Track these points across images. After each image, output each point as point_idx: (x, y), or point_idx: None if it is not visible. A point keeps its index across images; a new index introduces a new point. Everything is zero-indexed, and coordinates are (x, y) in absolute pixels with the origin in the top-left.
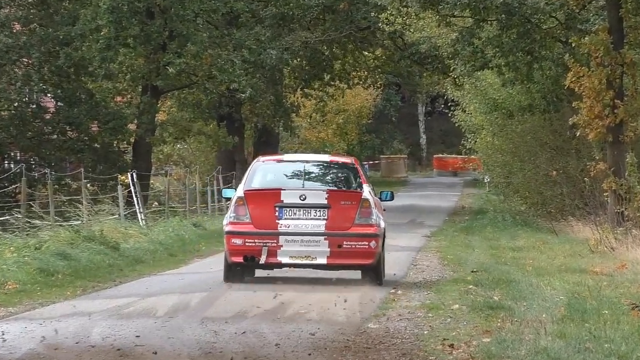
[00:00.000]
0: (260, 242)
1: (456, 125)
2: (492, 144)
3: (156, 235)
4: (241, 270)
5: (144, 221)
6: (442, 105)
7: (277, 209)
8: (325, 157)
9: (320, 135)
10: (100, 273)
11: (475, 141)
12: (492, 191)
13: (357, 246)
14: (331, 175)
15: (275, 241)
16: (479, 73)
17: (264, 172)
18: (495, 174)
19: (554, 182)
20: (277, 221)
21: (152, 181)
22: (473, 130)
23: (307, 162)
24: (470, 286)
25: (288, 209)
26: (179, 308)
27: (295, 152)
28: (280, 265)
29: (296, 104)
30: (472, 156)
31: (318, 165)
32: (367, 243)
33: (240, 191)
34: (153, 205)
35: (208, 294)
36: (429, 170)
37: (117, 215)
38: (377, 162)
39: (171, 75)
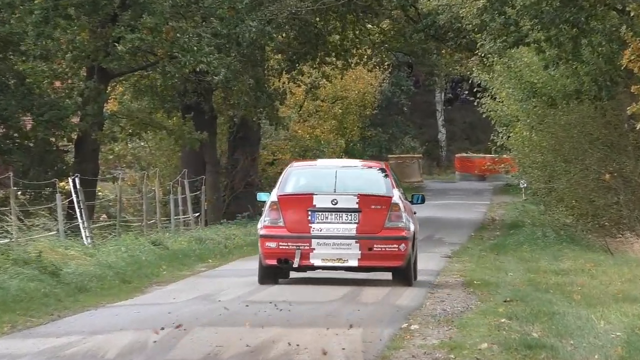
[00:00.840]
0: (293, 245)
1: (484, 116)
2: (529, 139)
3: (105, 257)
4: (275, 272)
5: (89, 239)
6: (466, 92)
7: (309, 213)
8: (357, 162)
9: (314, 131)
10: (34, 305)
11: (508, 136)
12: (530, 199)
13: (387, 249)
14: (362, 180)
15: (308, 244)
16: (512, 51)
17: (297, 177)
18: (534, 177)
19: (608, 187)
20: (309, 225)
21: (99, 188)
22: (505, 123)
23: (338, 167)
24: (503, 320)
25: (320, 213)
26: (134, 349)
27: (281, 149)
28: (313, 268)
29: (282, 90)
30: (504, 155)
31: (349, 170)
32: (397, 246)
33: (274, 196)
34: (101, 219)
35: (170, 331)
36: (449, 174)
37: (56, 232)
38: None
39: (123, 54)
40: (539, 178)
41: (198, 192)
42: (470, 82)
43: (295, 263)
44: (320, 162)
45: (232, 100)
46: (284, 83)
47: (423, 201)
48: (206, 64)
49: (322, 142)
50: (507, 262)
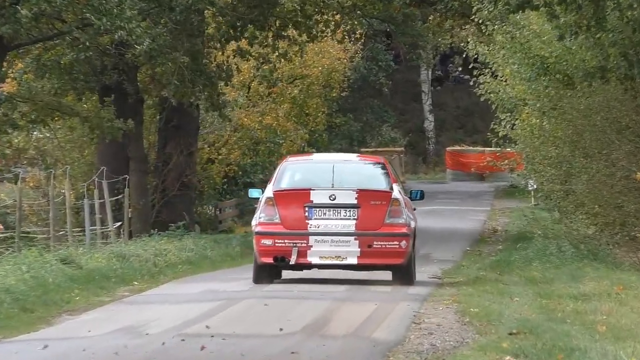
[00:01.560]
0: (290, 243)
1: (482, 99)
2: (540, 129)
3: (0, 279)
4: (270, 271)
5: None
6: (460, 69)
7: (306, 209)
8: (354, 157)
9: (265, 119)
10: None
11: (514, 125)
12: (541, 204)
13: (387, 246)
14: (360, 175)
15: (305, 241)
16: (517, 16)
17: (292, 172)
18: (546, 176)
19: None
20: (306, 221)
21: None
22: (509, 108)
23: (336, 161)
24: (507, 357)
25: (318, 209)
26: None
27: (226, 143)
28: (310, 266)
29: (226, 66)
30: (508, 149)
31: (347, 164)
32: (397, 243)
33: (269, 191)
34: None
35: None
36: (439, 172)
37: None
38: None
39: (23, 20)
40: (552, 177)
41: (120, 196)
42: (464, 56)
43: (292, 260)
44: (317, 156)
45: (162, 79)
46: (228, 57)
47: (422, 197)
48: (127, 31)
49: (278, 132)
50: (513, 284)
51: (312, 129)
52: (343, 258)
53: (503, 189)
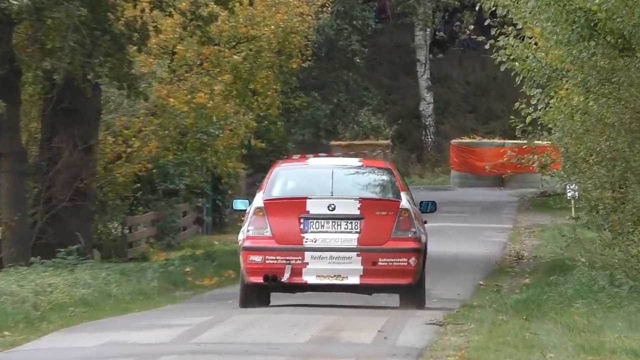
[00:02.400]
0: (282, 260)
1: (502, 69)
2: (584, 111)
3: None
4: (259, 293)
5: None
6: (470, 28)
7: (302, 220)
8: (357, 162)
9: (196, 98)
10: None
11: (547, 105)
12: (585, 219)
13: (394, 263)
14: (364, 182)
15: (300, 258)
16: None
17: (285, 178)
18: (593, 179)
19: None
20: (302, 235)
21: None
22: (541, 82)
23: (335, 166)
24: None
25: (315, 221)
26: None
27: (139, 132)
28: (305, 287)
29: (139, 24)
30: (539, 141)
31: (348, 170)
32: (406, 260)
33: (258, 201)
34: None
35: None
36: (440, 174)
37: None
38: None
39: None
40: (601, 181)
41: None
42: (477, 9)
43: (285, 278)
44: (313, 160)
45: (47, 44)
46: (142, 12)
47: (435, 209)
48: None
49: (214, 118)
50: (545, 334)
51: (262, 113)
52: (343, 277)
53: (531, 198)
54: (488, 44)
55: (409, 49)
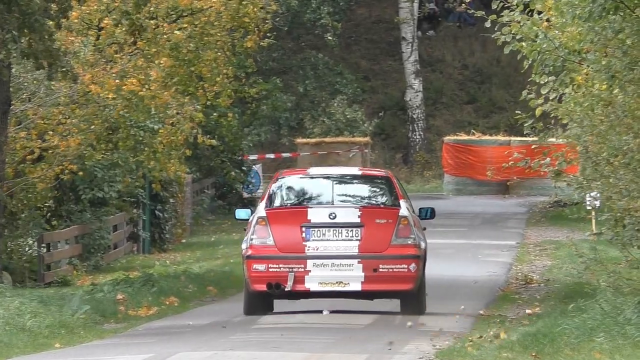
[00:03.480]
0: (285, 268)
1: (506, 51)
2: (608, 102)
3: None
4: (263, 301)
5: None
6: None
7: (303, 229)
8: (356, 171)
9: (126, 85)
10: None
11: (562, 95)
12: (609, 234)
13: (395, 270)
14: (364, 191)
15: (302, 266)
16: None
17: (287, 188)
18: (618, 186)
19: None
20: (304, 243)
21: None
22: (555, 67)
23: (336, 176)
24: None
25: (316, 229)
26: None
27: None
28: (308, 294)
29: None
30: (552, 139)
31: (348, 179)
32: (406, 266)
33: (261, 210)
34: None
35: None
36: (430, 178)
37: None
38: (283, 155)
39: None
40: (628, 187)
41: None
42: None
43: (288, 286)
44: (314, 170)
45: None
46: None
47: (433, 215)
48: None
49: (152, 109)
50: None
51: (210, 102)
52: (345, 284)
53: (542, 209)
54: (489, 20)
55: (392, 25)
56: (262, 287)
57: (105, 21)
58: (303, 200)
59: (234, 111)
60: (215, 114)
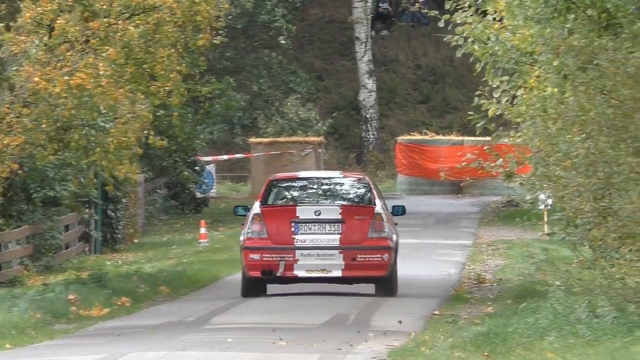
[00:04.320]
0: (277, 257)
1: (459, 53)
2: (559, 103)
3: None
4: (257, 285)
5: None
6: (419, 3)
7: (293, 224)
8: (338, 174)
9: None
10: None
11: (514, 97)
12: (561, 235)
13: (370, 259)
14: (344, 191)
15: (291, 255)
16: None
17: (278, 189)
18: (570, 187)
19: None
20: (293, 236)
21: None
22: (507, 68)
23: (320, 178)
24: None
25: (303, 224)
26: None
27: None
28: (297, 279)
29: None
30: (505, 139)
31: (331, 181)
32: (380, 256)
33: (256, 208)
34: None
35: None
36: (384, 178)
37: None
38: (237, 155)
39: None
40: (579, 188)
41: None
42: None
43: (279, 272)
44: (302, 173)
45: None
46: None
47: (404, 212)
48: None
49: (102, 108)
50: None
51: (163, 100)
52: (328, 271)
53: (495, 208)
54: (443, 20)
55: (345, 25)
56: (257, 274)
57: (58, 21)
58: (292, 199)
59: (186, 110)
60: (162, 111)
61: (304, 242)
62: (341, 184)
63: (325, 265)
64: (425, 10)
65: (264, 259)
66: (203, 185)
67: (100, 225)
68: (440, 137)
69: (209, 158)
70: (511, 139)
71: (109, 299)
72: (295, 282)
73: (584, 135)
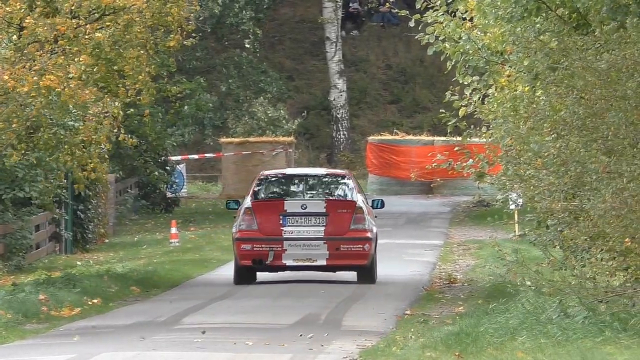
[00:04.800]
0: (267, 247)
1: (430, 52)
2: (530, 103)
3: None
4: (248, 273)
5: None
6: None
7: (281, 217)
8: (323, 171)
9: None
10: None
11: (484, 97)
12: (532, 235)
13: (352, 249)
14: (328, 186)
15: (280, 246)
16: None
17: (268, 184)
18: (540, 187)
19: None
20: (281, 228)
21: None
22: (478, 68)
23: (306, 175)
24: None
25: (291, 217)
26: None
27: None
28: (285, 268)
29: None
30: (475, 139)
31: (316, 177)
32: (361, 246)
33: (247, 202)
34: None
35: None
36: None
37: None
38: (207, 155)
39: None
40: (550, 188)
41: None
42: None
43: (269, 261)
44: (289, 170)
45: None
46: None
47: (383, 206)
48: None
49: (72, 107)
50: None
51: (132, 100)
52: (314, 260)
53: (465, 208)
54: (413, 20)
55: (316, 25)
56: (248, 262)
57: (27, 20)
58: (280, 194)
59: (157, 110)
60: (132, 110)
61: (291, 233)
62: (325, 180)
63: (311, 255)
64: (396, 10)
65: (255, 249)
66: (174, 185)
67: (70, 225)
68: (410, 137)
69: (180, 158)
70: (482, 137)
71: (80, 299)
72: (283, 270)
73: (555, 134)
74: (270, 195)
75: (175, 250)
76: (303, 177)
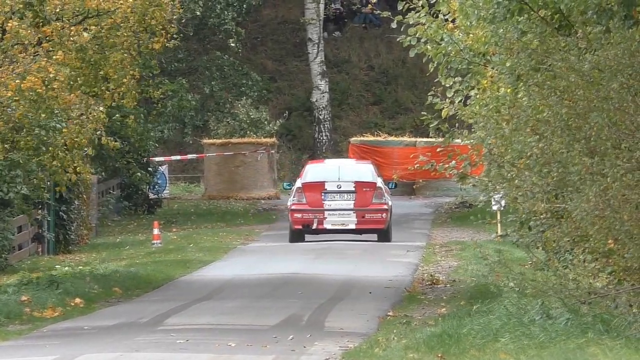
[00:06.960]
0: (312, 216)
1: (412, 54)
2: (512, 104)
3: None
4: (299, 235)
5: None
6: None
7: (322, 194)
8: (352, 161)
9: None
10: None
11: (467, 98)
12: (514, 236)
13: (374, 217)
14: (356, 172)
15: (322, 215)
16: None
17: (313, 171)
18: (523, 188)
19: None
20: (323, 202)
21: None
22: (460, 69)
23: (340, 164)
24: None
25: (329, 194)
26: None
27: None
28: (325, 231)
29: None
30: (458, 141)
31: (348, 165)
32: (380, 215)
33: (299, 183)
34: None
35: None
36: None
37: None
38: (189, 156)
39: None
40: (533, 189)
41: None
42: None
43: (314, 225)
44: (328, 161)
45: None
46: None
47: (396, 186)
48: None
49: (55, 109)
50: None
51: (116, 103)
52: (346, 225)
53: (448, 209)
54: (395, 21)
55: (298, 26)
56: (299, 227)
57: (10, 23)
58: (322, 177)
59: (139, 111)
60: (118, 114)
61: (330, 205)
62: (354, 167)
63: (344, 221)
64: (378, 12)
65: (304, 217)
66: (156, 186)
67: (53, 226)
68: (392, 138)
69: (162, 159)
70: (465, 139)
71: (63, 300)
72: (324, 233)
73: (537, 135)
74: (315, 178)
75: (158, 251)
76: (338, 166)
